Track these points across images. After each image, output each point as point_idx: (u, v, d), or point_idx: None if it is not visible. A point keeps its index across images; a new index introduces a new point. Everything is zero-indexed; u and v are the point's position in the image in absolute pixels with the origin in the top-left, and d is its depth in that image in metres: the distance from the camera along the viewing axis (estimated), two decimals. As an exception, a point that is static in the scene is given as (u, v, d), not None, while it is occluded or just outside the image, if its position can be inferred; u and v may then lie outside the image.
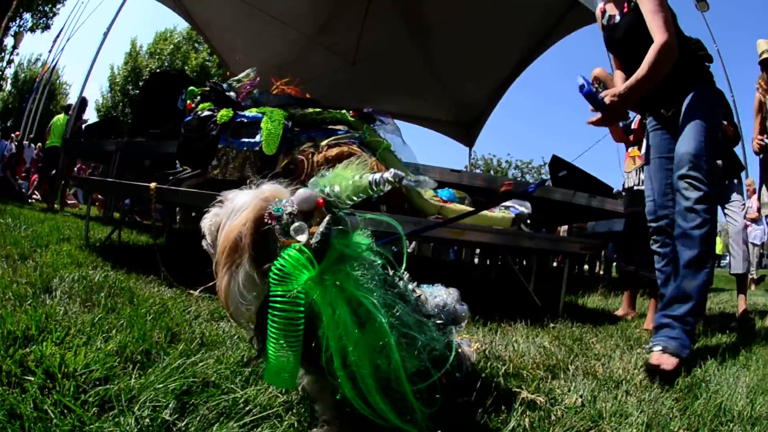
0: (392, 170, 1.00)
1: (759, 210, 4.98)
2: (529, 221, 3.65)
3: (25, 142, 12.90)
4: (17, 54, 23.01)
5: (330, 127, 3.41)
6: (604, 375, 1.77)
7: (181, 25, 26.05)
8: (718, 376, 1.86)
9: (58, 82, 27.66)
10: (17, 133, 13.28)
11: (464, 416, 1.21)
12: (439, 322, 1.19)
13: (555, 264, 10.86)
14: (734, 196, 4.29)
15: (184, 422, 1.00)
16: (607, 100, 2.21)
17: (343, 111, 3.55)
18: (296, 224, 0.98)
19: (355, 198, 1.01)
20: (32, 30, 21.17)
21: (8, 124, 21.04)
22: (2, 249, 2.69)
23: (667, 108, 2.43)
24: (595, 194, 4.38)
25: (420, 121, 10.02)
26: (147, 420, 0.99)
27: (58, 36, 15.38)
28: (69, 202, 9.33)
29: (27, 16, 20.78)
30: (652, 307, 3.89)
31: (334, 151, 3.15)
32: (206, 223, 1.11)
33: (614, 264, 9.54)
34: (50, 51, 17.52)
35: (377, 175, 1.01)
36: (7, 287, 1.82)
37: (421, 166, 3.88)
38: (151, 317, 1.70)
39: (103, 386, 1.10)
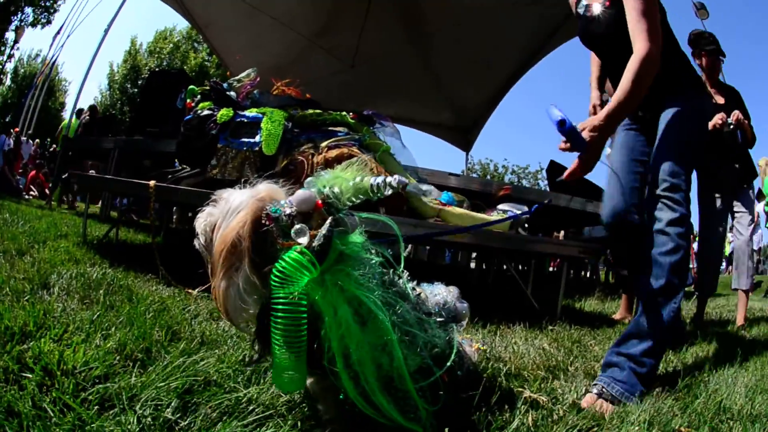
0: (396, 176, 1.00)
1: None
2: (526, 225, 3.66)
3: (23, 138, 12.84)
4: (18, 49, 22.98)
5: (330, 128, 3.41)
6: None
7: (181, 24, 26.15)
8: (717, 376, 1.87)
9: (57, 78, 27.64)
10: (16, 129, 13.22)
11: (468, 414, 1.21)
12: (439, 319, 1.19)
13: (551, 268, 10.88)
14: (740, 207, 4.00)
15: (187, 421, 0.99)
16: (585, 135, 1.77)
17: (343, 113, 3.55)
18: (297, 226, 0.97)
19: (355, 200, 1.01)
20: (33, 25, 21.10)
21: (7, 120, 20.95)
22: (0, 244, 2.67)
23: (646, 112, 2.21)
24: (593, 199, 4.39)
25: (417, 125, 10.01)
26: (149, 419, 0.98)
27: (58, 32, 15.35)
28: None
29: (29, 10, 20.71)
30: (623, 303, 3.92)
31: (334, 153, 3.15)
32: (200, 222, 1.09)
33: (606, 269, 9.64)
34: (50, 47, 17.51)
35: (380, 179, 1.00)
36: (5, 282, 1.80)
37: (420, 169, 3.89)
38: (151, 315, 1.69)
39: (103, 384, 1.08)
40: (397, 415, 0.95)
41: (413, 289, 1.18)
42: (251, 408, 1.06)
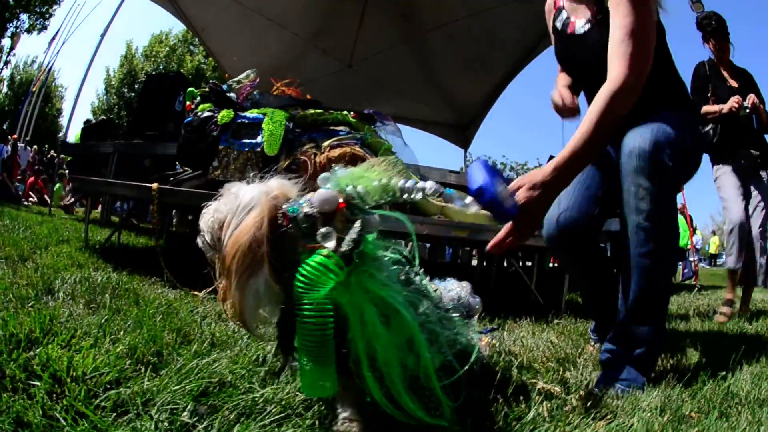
0: (430, 182, 0.94)
1: None
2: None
3: (21, 144, 12.83)
4: (14, 55, 22.96)
5: (331, 128, 3.40)
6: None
7: (177, 27, 26.29)
8: (723, 364, 1.86)
9: (53, 84, 27.64)
10: (14, 136, 13.21)
11: (486, 407, 1.20)
12: (456, 315, 1.17)
13: (551, 264, 10.87)
14: (754, 193, 3.73)
15: (204, 424, 0.96)
16: (521, 195, 1.35)
17: (345, 112, 3.54)
18: (324, 230, 0.92)
19: (380, 201, 0.96)
20: (29, 31, 21.14)
21: (4, 127, 20.94)
22: (1, 250, 2.65)
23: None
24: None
25: (415, 123, 9.99)
26: (165, 423, 0.95)
27: (53, 38, 15.34)
28: (64, 203, 9.28)
29: (24, 16, 20.70)
30: None
31: (336, 152, 3.14)
32: (206, 219, 1.01)
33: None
34: (45, 53, 17.53)
35: (410, 182, 0.95)
36: (8, 289, 1.77)
37: (422, 167, 3.87)
38: (160, 318, 1.67)
39: (116, 389, 1.06)
40: (423, 414, 0.93)
41: (430, 285, 1.16)
42: (268, 408, 1.04)
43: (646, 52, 1.48)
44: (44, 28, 21.20)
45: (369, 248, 0.97)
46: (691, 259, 11.39)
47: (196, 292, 2.25)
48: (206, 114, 3.33)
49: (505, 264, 5.79)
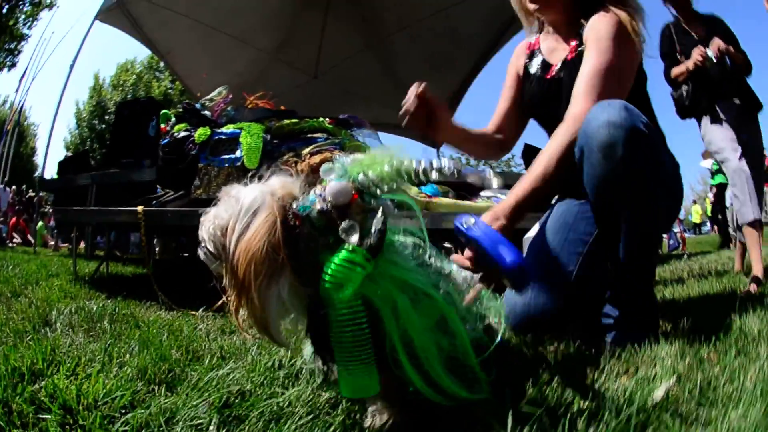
0: (446, 159, 0.90)
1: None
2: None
3: (0, 186, 12.61)
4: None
5: (309, 135, 3.40)
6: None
7: (142, 54, 25.97)
8: (728, 312, 1.87)
9: (26, 123, 27.18)
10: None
11: (511, 376, 1.19)
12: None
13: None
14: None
15: (233, 435, 0.93)
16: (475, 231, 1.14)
17: (320, 119, 3.54)
18: (345, 224, 0.87)
19: (395, 186, 0.91)
20: (-1, 69, 20.61)
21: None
22: (-7, 288, 2.61)
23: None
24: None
25: (384, 128, 9.98)
26: (192, 438, 0.92)
27: (23, 75, 15.08)
28: (50, 243, 9.20)
29: (-6, 55, 20.24)
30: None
31: (317, 159, 3.13)
32: (206, 227, 0.94)
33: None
34: (17, 91, 17.25)
35: (425, 162, 0.90)
36: (4, 324, 1.74)
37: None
38: (165, 337, 1.63)
39: (133, 412, 1.02)
40: (465, 393, 0.91)
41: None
42: (295, 411, 1.01)
43: (617, 95, 1.34)
44: (14, 65, 20.72)
45: (388, 234, 0.93)
46: (676, 230, 11.62)
47: (193, 312, 2.22)
48: (183, 134, 3.30)
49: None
